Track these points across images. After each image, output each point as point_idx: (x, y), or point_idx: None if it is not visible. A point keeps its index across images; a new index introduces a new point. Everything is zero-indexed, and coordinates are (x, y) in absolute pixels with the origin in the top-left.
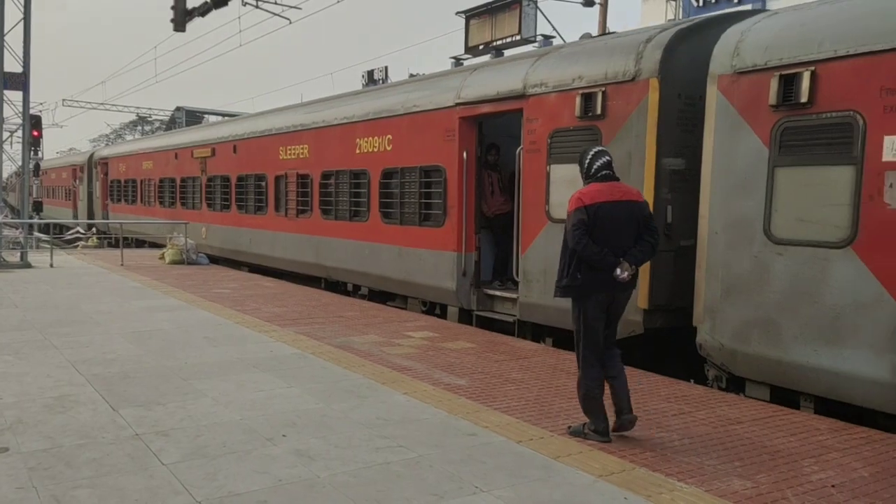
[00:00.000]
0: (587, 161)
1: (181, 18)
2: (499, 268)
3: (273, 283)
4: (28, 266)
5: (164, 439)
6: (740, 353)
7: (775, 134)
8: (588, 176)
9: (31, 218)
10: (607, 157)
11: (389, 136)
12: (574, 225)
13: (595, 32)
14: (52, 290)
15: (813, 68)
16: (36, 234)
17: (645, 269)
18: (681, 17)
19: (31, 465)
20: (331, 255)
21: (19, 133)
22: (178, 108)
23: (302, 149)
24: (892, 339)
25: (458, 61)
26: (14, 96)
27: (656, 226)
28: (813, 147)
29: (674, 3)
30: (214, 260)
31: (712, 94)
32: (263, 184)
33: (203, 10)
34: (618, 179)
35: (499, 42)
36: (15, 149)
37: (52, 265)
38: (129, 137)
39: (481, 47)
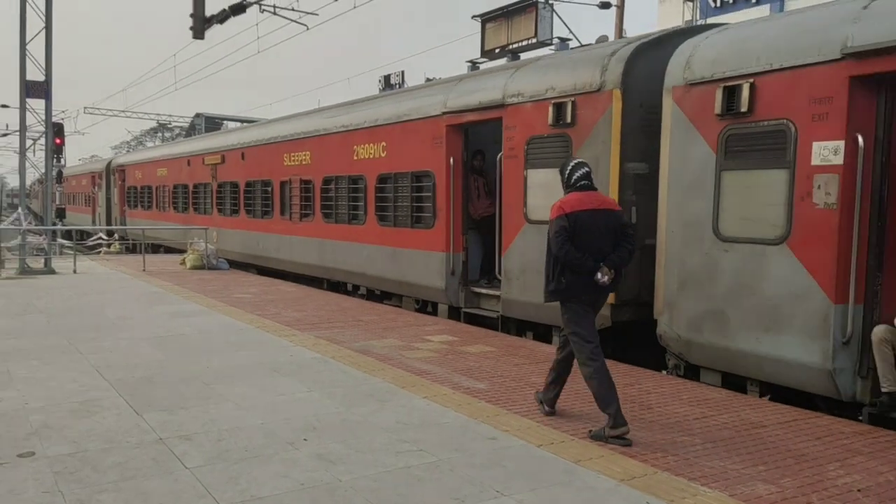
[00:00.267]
0: (567, 172)
1: (200, 26)
2: (486, 267)
3: (293, 288)
4: (52, 272)
5: (187, 443)
6: (694, 343)
7: (721, 140)
8: (568, 185)
9: (54, 225)
10: (586, 169)
11: (384, 144)
12: (556, 232)
13: (612, 34)
14: (76, 296)
15: (752, 80)
16: (59, 240)
17: None
18: (698, 18)
19: (56, 469)
20: (332, 256)
21: (42, 141)
22: (197, 115)
23: (304, 155)
24: (821, 326)
25: (474, 65)
26: (36, 104)
27: (633, 232)
28: (753, 152)
29: (691, 3)
30: None
31: (668, 104)
32: (270, 189)
33: (221, 18)
34: (596, 189)
35: (515, 45)
36: (38, 156)
37: (75, 271)
38: (149, 144)
39: (497, 50)
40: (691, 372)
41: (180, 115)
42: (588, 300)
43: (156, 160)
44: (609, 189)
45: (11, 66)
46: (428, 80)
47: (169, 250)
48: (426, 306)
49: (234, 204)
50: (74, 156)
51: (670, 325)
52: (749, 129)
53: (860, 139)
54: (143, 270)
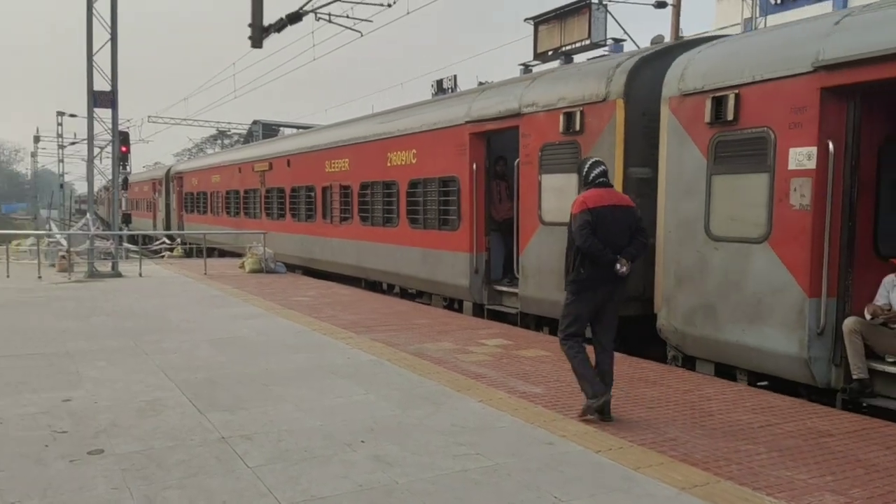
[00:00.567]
0: (585, 169)
1: (258, 35)
2: (508, 266)
3: (348, 291)
4: (119, 276)
5: (248, 443)
6: (689, 335)
7: (711, 147)
8: (587, 183)
9: (120, 230)
10: (603, 167)
11: (414, 151)
12: (580, 225)
13: (668, 34)
14: (141, 299)
15: (737, 91)
16: (125, 244)
17: None
18: (758, 15)
19: (124, 466)
20: (368, 257)
21: (109, 149)
22: (255, 122)
23: (344, 162)
24: (798, 318)
25: (526, 68)
26: (103, 114)
27: (645, 227)
28: (739, 158)
29: (749, 0)
30: None
31: (665, 114)
32: (313, 194)
33: (279, 27)
34: (612, 186)
35: (568, 47)
36: (104, 164)
37: (140, 275)
38: (209, 151)
39: (550, 53)
40: (688, 363)
41: (239, 122)
42: (605, 291)
43: (210, 167)
44: None
45: (80, 76)
46: (480, 83)
47: (222, 253)
48: (452, 304)
49: (280, 208)
50: (139, 163)
51: (668, 318)
52: (735, 136)
53: (831, 145)
54: (205, 274)
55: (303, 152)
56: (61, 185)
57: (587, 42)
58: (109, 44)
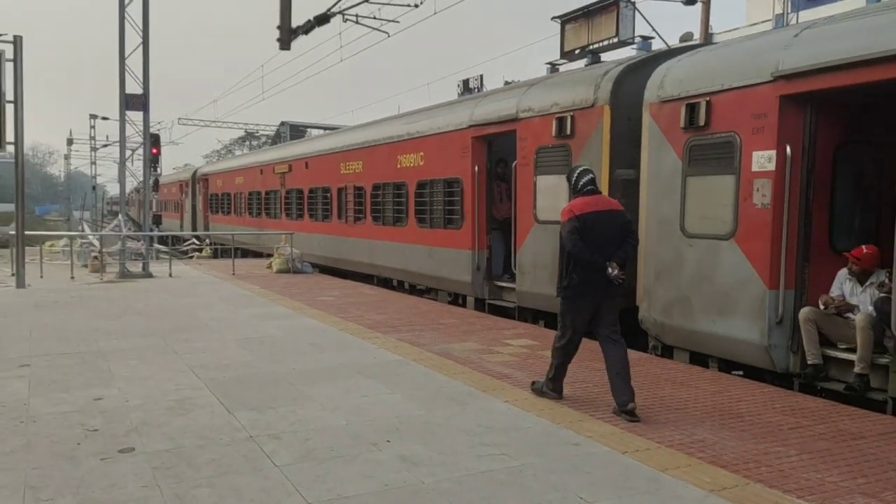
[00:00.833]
0: (574, 178)
1: (286, 37)
2: (508, 263)
3: (374, 291)
4: (149, 276)
5: (275, 442)
6: (667, 326)
7: (686, 150)
8: (575, 191)
9: (151, 231)
10: (591, 175)
11: (422, 153)
12: (569, 231)
13: (697, 31)
14: (171, 299)
15: (708, 98)
16: (156, 245)
17: None
18: (789, 11)
19: (154, 464)
20: (380, 255)
21: (140, 151)
22: (282, 123)
23: (357, 164)
24: (759, 309)
25: (553, 67)
26: (135, 116)
27: (635, 229)
28: (709, 160)
29: None
30: None
31: (646, 119)
32: (329, 195)
33: (306, 29)
34: (600, 193)
35: (595, 45)
36: (136, 165)
37: (171, 275)
38: (237, 152)
39: (577, 51)
40: (666, 352)
41: (266, 123)
42: (594, 300)
43: (234, 170)
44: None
45: (112, 80)
46: (506, 83)
47: (244, 253)
48: (457, 299)
49: (299, 209)
50: (169, 164)
51: (648, 310)
52: (706, 140)
53: (788, 149)
54: (233, 274)
55: (320, 155)
56: (94, 187)
57: (615, 40)
58: (141, 47)
